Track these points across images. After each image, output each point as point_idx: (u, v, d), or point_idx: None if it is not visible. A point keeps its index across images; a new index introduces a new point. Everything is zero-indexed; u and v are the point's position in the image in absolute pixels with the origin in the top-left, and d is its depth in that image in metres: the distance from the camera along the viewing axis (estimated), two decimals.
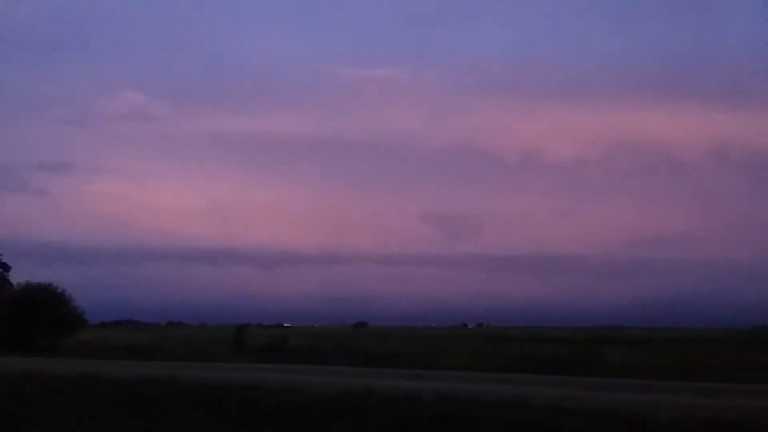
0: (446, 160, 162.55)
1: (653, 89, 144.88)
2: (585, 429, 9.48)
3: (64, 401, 12.41)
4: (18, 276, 39.47)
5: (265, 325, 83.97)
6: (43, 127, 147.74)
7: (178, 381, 15.07)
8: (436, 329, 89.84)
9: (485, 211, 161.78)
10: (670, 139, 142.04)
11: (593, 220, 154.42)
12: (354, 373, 18.80)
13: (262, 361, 25.06)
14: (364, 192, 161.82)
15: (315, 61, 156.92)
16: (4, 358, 25.43)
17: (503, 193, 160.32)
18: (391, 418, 10.30)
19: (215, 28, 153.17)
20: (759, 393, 14.07)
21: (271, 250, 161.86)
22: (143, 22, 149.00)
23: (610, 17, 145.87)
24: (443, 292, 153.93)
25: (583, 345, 28.98)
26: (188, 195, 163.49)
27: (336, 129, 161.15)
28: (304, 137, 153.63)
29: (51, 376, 17.10)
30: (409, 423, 10.06)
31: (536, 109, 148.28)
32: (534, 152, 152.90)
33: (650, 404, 11.16)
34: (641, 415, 10.06)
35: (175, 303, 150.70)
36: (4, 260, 40.59)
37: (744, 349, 26.02)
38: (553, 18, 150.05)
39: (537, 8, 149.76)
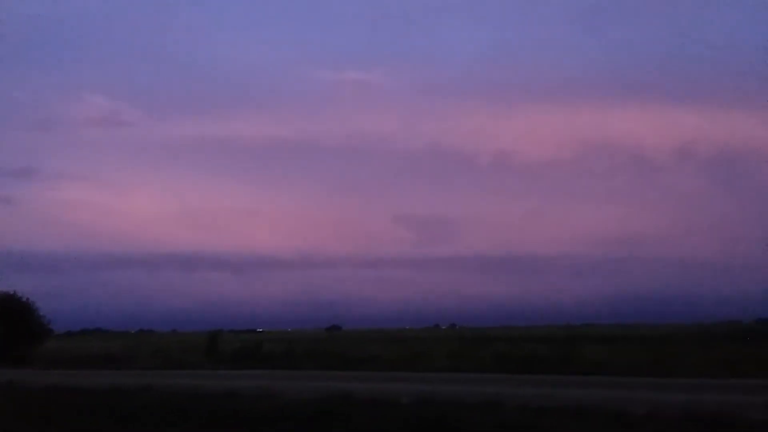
0: (420, 162, 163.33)
1: (623, 90, 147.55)
2: (561, 427, 9.51)
3: (36, 413, 12.15)
4: None
5: (238, 331, 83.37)
6: (9, 133, 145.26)
7: (152, 390, 14.85)
8: (410, 331, 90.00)
9: (459, 213, 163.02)
10: (640, 139, 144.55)
11: (566, 220, 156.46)
12: (330, 377, 18.72)
13: (237, 367, 24.82)
14: (338, 195, 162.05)
15: (289, 64, 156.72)
16: None
17: (476, 194, 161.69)
18: (370, 422, 10.24)
19: (186, 32, 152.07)
20: (732, 388, 14.28)
21: (243, 255, 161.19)
22: (112, 26, 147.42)
23: (580, 19, 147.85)
24: (416, 294, 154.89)
25: (558, 343, 29.18)
26: (159, 200, 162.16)
27: (310, 132, 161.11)
28: (276, 141, 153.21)
29: (21, 387, 16.75)
30: (388, 427, 10.00)
31: (508, 111, 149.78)
32: (506, 153, 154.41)
33: (626, 400, 11.25)
34: (617, 412, 10.13)
35: (145, 310, 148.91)
36: None
37: (716, 344, 26.42)
38: (525, 21, 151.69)
39: (509, 11, 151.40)
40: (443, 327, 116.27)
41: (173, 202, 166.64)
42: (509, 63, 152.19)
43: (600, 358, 22.29)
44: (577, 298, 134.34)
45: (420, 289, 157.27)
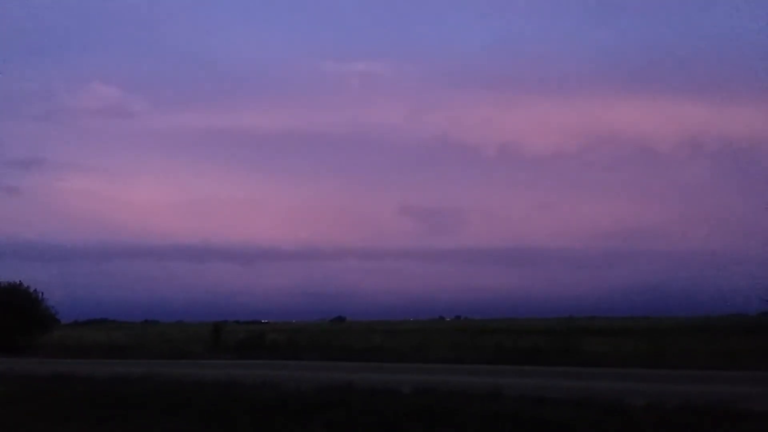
0: (426, 154, 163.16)
1: (630, 82, 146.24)
2: (560, 417, 9.50)
3: (39, 402, 12.21)
4: None
5: (242, 322, 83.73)
6: (15, 123, 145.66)
7: (154, 379, 14.90)
8: (415, 323, 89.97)
9: (464, 205, 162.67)
10: (646, 131, 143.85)
11: (571, 213, 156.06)
12: (333, 368, 18.76)
13: (240, 357, 24.90)
14: (344, 186, 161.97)
15: (295, 55, 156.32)
16: None
17: (482, 186, 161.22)
18: (370, 412, 10.25)
19: (192, 22, 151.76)
20: (734, 379, 14.25)
21: (249, 246, 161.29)
22: (118, 16, 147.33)
23: (588, 11, 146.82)
24: (421, 286, 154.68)
25: (560, 335, 29.17)
26: (165, 191, 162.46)
27: (316, 123, 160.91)
28: (283, 132, 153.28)
29: (24, 376, 16.83)
30: (388, 416, 10.01)
31: (515, 103, 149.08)
32: (513, 145, 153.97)
33: (626, 392, 11.23)
34: (617, 403, 10.11)
35: (151, 301, 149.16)
36: None
37: (719, 337, 26.37)
38: (532, 12, 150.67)
39: (517, 2, 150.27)
40: (448, 319, 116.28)
41: (179, 193, 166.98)
42: (516, 54, 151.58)
43: (601, 349, 22.29)
44: (582, 290, 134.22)
45: (425, 281, 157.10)
